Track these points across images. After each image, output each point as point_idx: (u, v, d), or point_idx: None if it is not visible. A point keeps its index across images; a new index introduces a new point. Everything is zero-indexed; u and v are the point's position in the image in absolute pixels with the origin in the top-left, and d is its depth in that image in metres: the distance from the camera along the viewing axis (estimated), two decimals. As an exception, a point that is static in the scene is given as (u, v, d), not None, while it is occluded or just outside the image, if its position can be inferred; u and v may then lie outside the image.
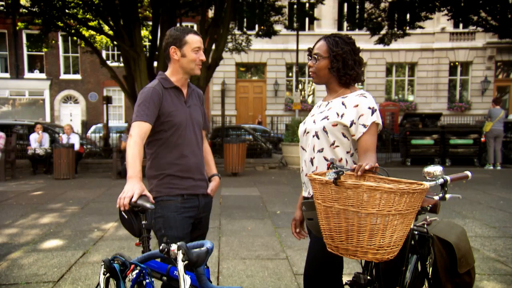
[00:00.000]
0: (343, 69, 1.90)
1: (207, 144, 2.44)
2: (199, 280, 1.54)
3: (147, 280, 1.61)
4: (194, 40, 2.10)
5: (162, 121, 2.09)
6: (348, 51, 1.89)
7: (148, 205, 1.76)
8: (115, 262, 1.64)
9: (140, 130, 1.98)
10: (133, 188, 1.81)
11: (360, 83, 2.06)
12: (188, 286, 1.42)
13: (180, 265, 1.42)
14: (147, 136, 2.04)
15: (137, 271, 1.61)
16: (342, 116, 1.87)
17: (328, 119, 1.90)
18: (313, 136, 1.94)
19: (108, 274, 1.62)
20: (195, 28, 20.48)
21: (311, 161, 1.96)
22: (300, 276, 3.37)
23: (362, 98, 1.87)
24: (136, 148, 1.93)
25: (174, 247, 1.45)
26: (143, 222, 1.77)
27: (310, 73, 2.00)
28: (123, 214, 1.80)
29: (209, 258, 1.53)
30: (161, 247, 1.48)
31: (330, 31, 20.91)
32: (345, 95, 1.94)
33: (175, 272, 1.65)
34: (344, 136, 1.89)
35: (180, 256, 1.43)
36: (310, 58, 1.99)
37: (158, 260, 1.77)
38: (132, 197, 1.78)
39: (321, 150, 1.92)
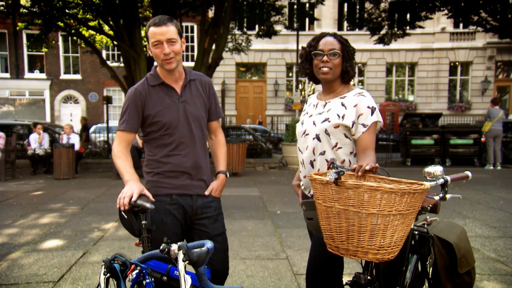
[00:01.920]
0: (350, 67, 1.93)
1: (221, 136, 2.27)
2: (199, 280, 1.54)
3: (147, 280, 1.61)
4: (151, 34, 1.93)
5: (150, 122, 2.02)
6: (353, 50, 1.94)
7: (148, 205, 1.76)
8: (115, 262, 1.64)
9: (120, 139, 2.02)
10: (132, 188, 1.82)
11: (359, 83, 2.08)
12: (188, 286, 1.42)
13: (181, 265, 1.42)
14: (131, 142, 2.05)
15: (137, 271, 1.61)
16: (343, 117, 1.87)
17: (329, 121, 1.89)
18: (314, 139, 1.93)
19: (108, 274, 1.62)
20: (195, 28, 20.48)
21: (311, 163, 1.95)
22: (301, 276, 3.37)
23: (361, 97, 1.88)
24: (121, 157, 1.97)
25: (174, 247, 1.45)
26: (143, 222, 1.78)
27: (326, 68, 1.89)
28: (123, 214, 1.81)
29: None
30: (161, 247, 1.47)
31: (330, 31, 20.83)
32: (343, 94, 1.94)
33: (176, 272, 1.66)
34: (346, 137, 1.89)
35: (180, 256, 1.43)
36: (322, 53, 1.89)
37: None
38: (132, 196, 1.78)
39: (323, 153, 1.91)
